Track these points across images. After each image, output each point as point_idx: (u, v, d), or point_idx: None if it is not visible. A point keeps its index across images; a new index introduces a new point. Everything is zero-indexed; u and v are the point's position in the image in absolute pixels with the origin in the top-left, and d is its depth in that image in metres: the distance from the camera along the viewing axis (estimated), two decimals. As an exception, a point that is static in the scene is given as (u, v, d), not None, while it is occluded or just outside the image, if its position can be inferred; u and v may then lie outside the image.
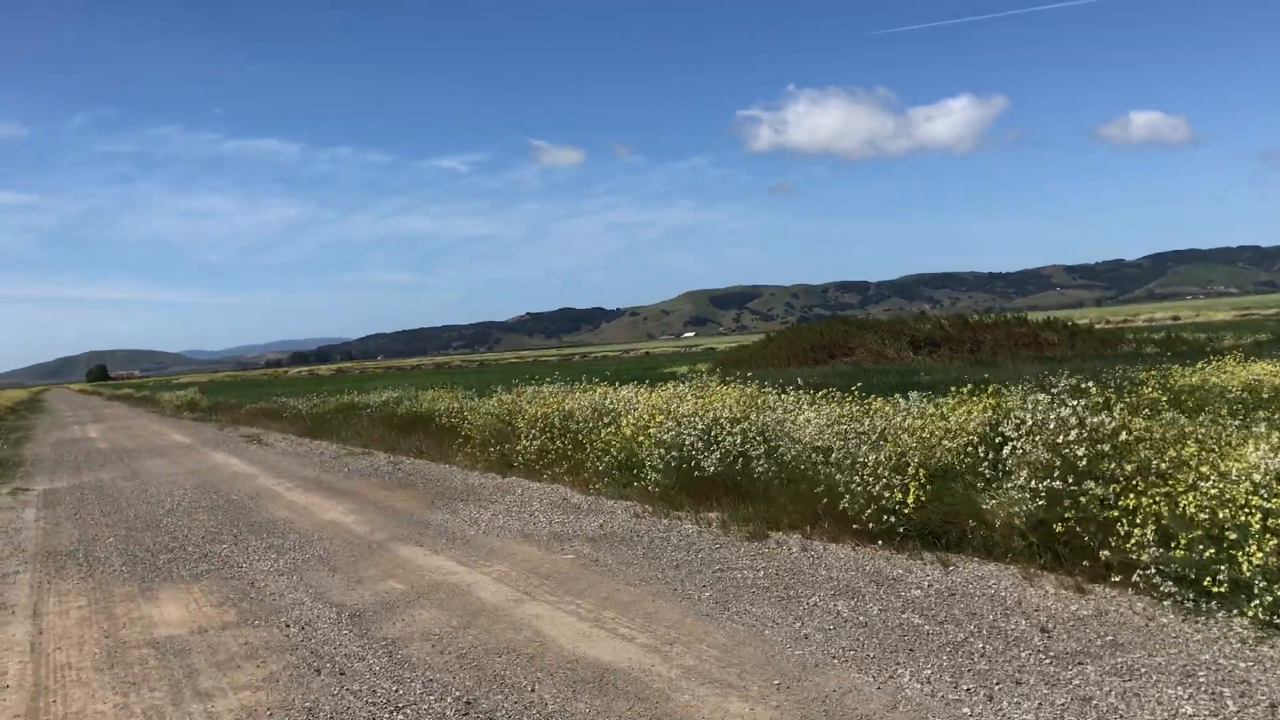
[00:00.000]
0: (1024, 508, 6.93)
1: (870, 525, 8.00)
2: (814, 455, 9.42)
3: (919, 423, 8.81)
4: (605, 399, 13.94)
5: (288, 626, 7.07)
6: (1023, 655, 5.45)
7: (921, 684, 5.15)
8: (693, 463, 10.38)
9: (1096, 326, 50.97)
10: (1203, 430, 7.11)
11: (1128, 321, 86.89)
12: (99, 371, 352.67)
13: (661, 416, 11.41)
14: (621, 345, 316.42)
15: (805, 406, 10.83)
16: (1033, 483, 6.79)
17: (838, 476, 8.37)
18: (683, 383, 15.47)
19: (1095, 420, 6.96)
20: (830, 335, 48.42)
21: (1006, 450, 7.30)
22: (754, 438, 9.98)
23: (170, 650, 6.67)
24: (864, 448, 8.52)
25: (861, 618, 6.36)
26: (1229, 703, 4.62)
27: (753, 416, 10.46)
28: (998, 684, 5.06)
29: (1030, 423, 7.20)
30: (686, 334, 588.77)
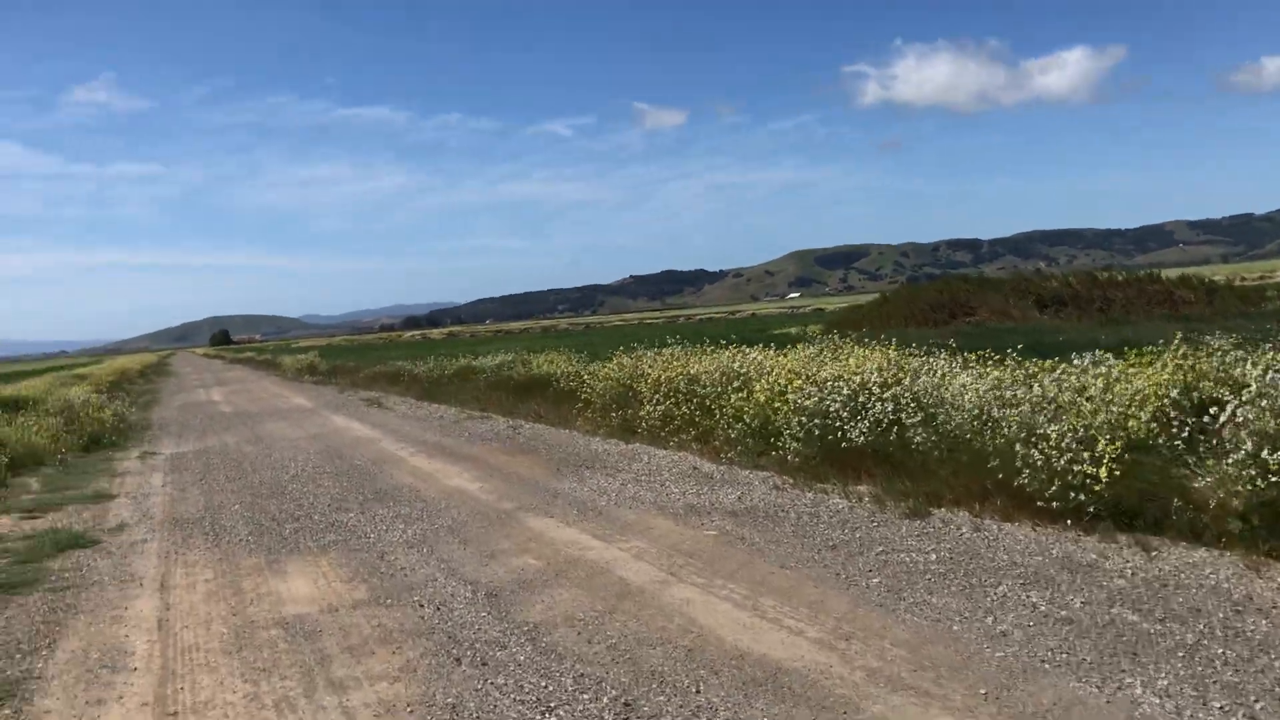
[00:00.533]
0: (1247, 486, 6.02)
1: (1054, 504, 7.17)
2: (976, 424, 8.59)
3: (1101, 387, 7.90)
4: (734, 362, 13.24)
5: (421, 606, 6.62)
6: (1277, 665, 4.62)
7: (1160, 698, 4.37)
8: (839, 431, 9.63)
9: (1234, 284, 48.14)
10: None
11: (1265, 278, 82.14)
12: (221, 336, 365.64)
13: (800, 381, 10.67)
14: (726, 306, 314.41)
15: (958, 370, 9.97)
16: (1262, 455, 5.88)
17: (1017, 448, 7.53)
18: (809, 344, 14.66)
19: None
20: (950, 294, 46.72)
21: (1223, 417, 6.38)
22: (909, 404, 9.18)
23: (300, 632, 6.28)
24: (1040, 417, 7.67)
25: (1063, 612, 5.58)
26: None
27: (905, 381, 9.65)
28: (1258, 702, 4.25)
29: (1256, 386, 6.27)
30: (791, 295, 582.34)
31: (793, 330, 52.49)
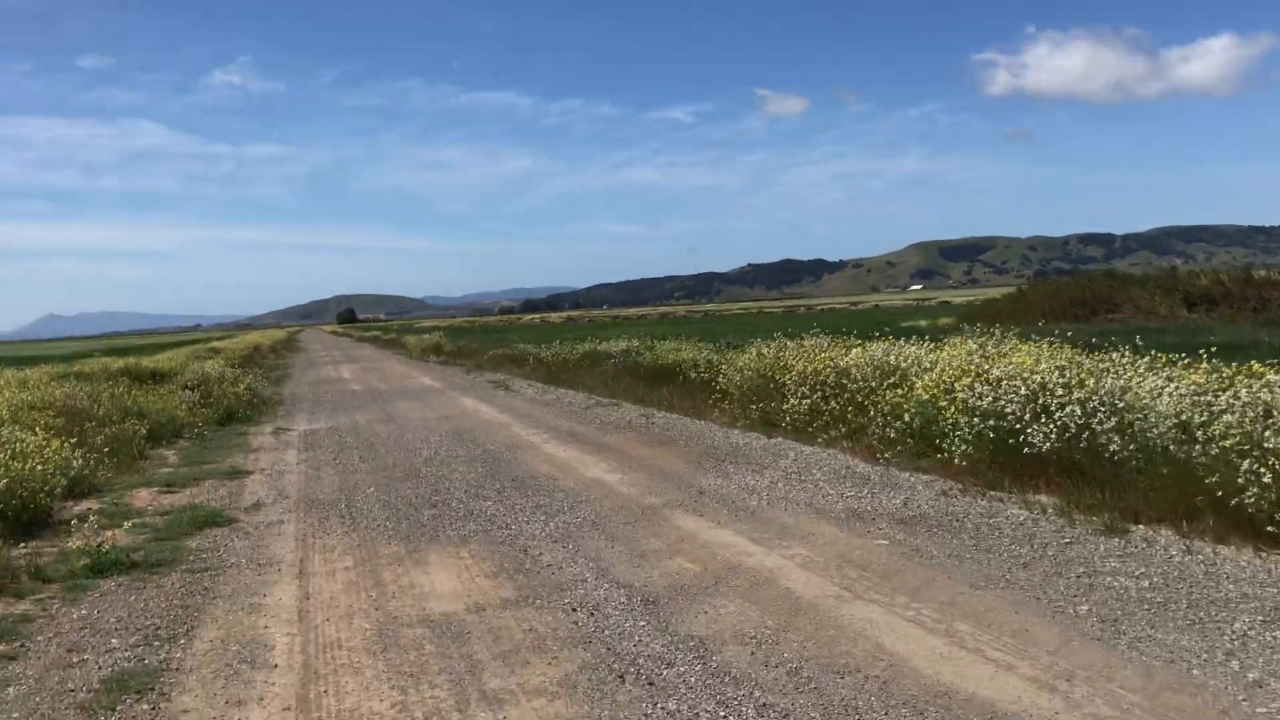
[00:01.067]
0: None
1: (1287, 528, 6.28)
2: (1175, 433, 7.70)
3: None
4: (889, 356, 12.47)
5: (574, 610, 6.13)
6: None
7: None
8: (1017, 435, 8.82)
9: None
10: None
11: None
12: (348, 314, 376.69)
13: (968, 379, 9.86)
14: (846, 297, 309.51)
15: (1143, 371, 9.03)
16: None
17: (1236, 461, 6.65)
18: (969, 339, 13.76)
19: None
20: (1092, 290, 44.56)
21: None
22: (1099, 409, 8.31)
23: (447, 633, 5.85)
24: (1267, 429, 6.76)
25: (1330, 661, 4.76)
26: None
27: (1090, 383, 8.77)
28: None
29: None
30: (913, 287, 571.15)
31: (922, 323, 50.90)
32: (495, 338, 58.85)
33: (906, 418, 10.45)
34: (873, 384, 11.71)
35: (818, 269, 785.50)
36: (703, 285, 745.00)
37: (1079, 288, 45.60)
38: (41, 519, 9.36)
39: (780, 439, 12.65)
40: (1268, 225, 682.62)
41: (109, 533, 8.04)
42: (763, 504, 8.98)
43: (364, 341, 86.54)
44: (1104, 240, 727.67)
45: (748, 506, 8.91)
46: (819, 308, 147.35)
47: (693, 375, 17.21)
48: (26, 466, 9.39)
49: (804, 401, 12.54)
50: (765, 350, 14.70)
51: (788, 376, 12.86)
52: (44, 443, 10.87)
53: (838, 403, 12.04)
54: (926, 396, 10.26)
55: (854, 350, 13.24)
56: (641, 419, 15.88)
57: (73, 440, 12.45)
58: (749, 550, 7.38)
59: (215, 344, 62.21)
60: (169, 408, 17.83)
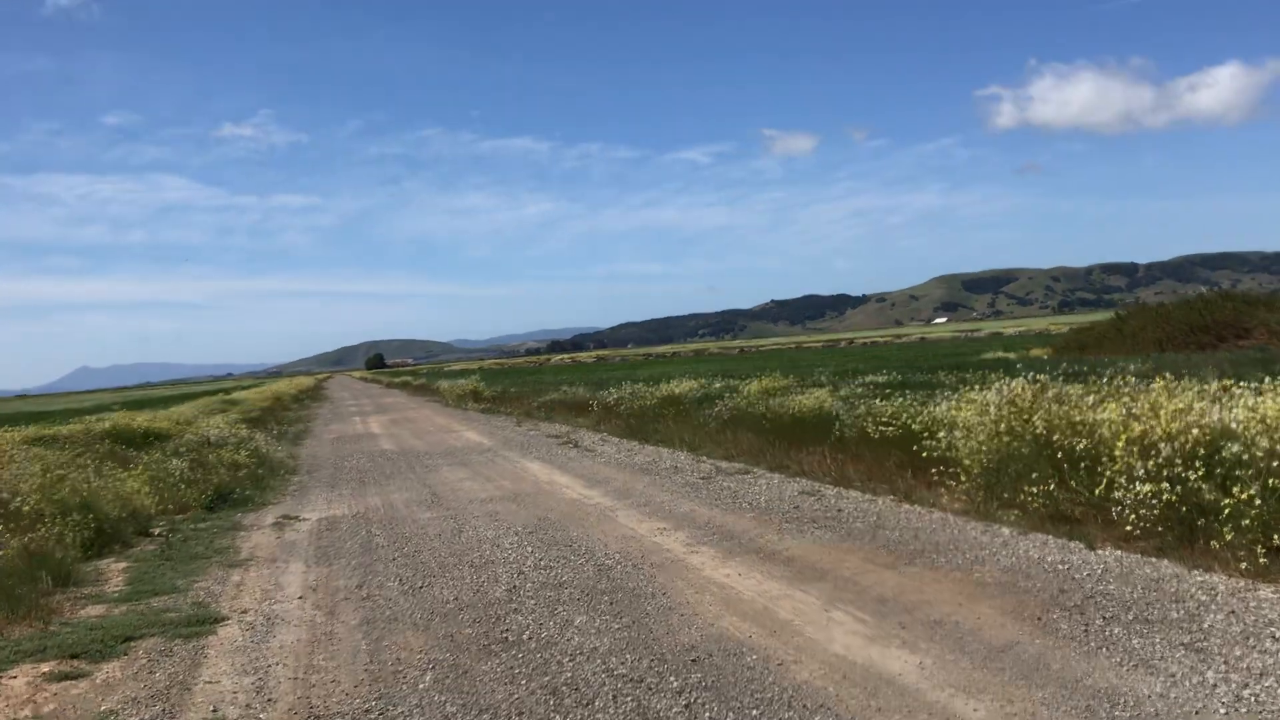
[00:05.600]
0: None
1: None
2: None
3: None
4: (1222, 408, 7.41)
5: None
6: None
7: None
8: None
9: None
10: None
11: None
12: (376, 359, 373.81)
13: None
14: (874, 331, 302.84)
15: None
16: None
17: None
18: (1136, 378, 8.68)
19: None
20: (1217, 314, 39.16)
21: None
22: None
23: None
24: None
25: None
26: None
27: None
28: None
29: None
30: (938, 320, 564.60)
31: (1010, 356, 45.56)
32: (532, 380, 53.99)
33: None
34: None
35: (841, 304, 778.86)
36: (726, 322, 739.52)
37: (1197, 313, 40.15)
38: None
39: (1112, 550, 7.47)
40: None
41: None
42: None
43: (393, 387, 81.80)
44: (1127, 270, 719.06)
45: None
46: (860, 342, 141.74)
47: (871, 433, 12.03)
48: None
49: (1142, 485, 7.34)
50: (1019, 394, 9.52)
51: (1119, 444, 7.62)
52: None
53: (1217, 492, 6.88)
54: None
55: (1194, 400, 8.07)
56: (811, 500, 10.74)
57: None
58: None
59: (238, 394, 57.47)
60: (128, 492, 12.85)
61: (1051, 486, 8.35)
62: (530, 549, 9.32)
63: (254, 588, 8.70)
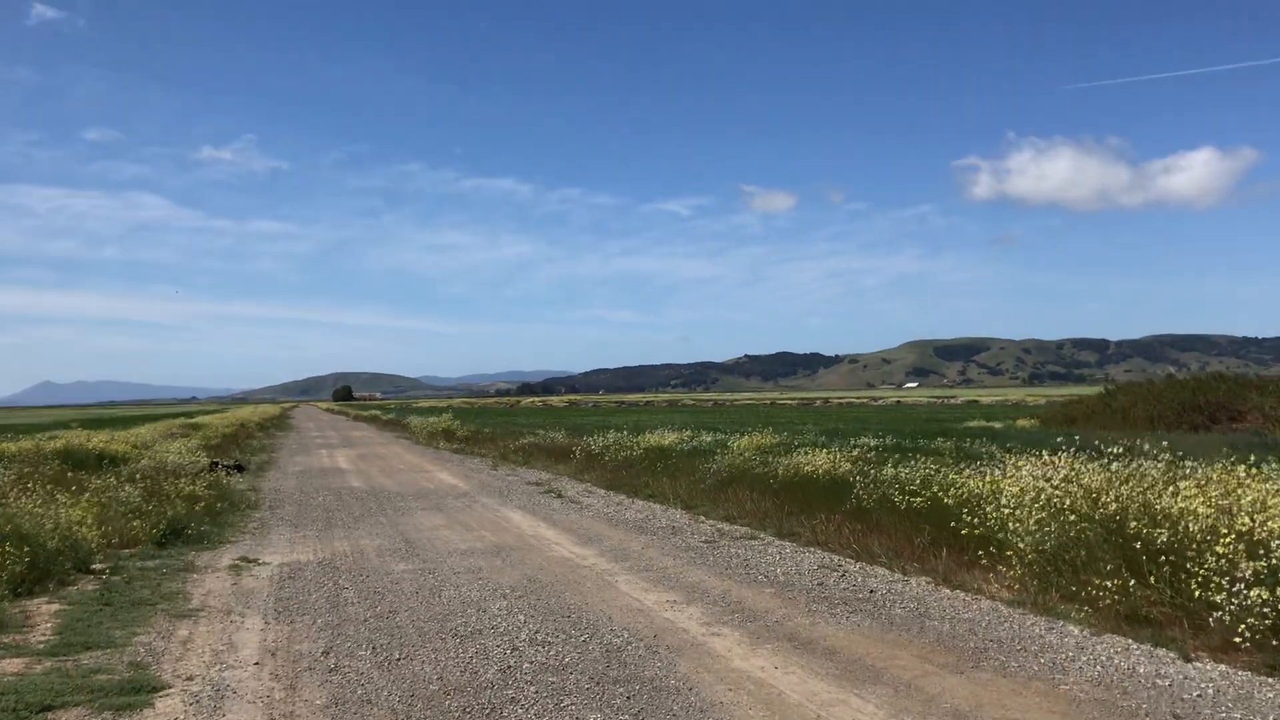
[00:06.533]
0: None
1: None
2: None
3: None
4: None
5: None
6: None
7: None
8: None
9: None
10: None
11: None
12: (345, 391, 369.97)
13: None
14: (848, 392, 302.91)
15: None
16: None
17: None
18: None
19: None
20: (1210, 394, 38.60)
21: None
22: None
23: None
24: None
25: None
26: None
27: None
28: None
29: None
30: (909, 384, 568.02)
31: (997, 425, 44.75)
32: (504, 421, 52.74)
33: None
34: None
35: (813, 362, 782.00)
36: (699, 374, 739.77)
37: (1190, 392, 39.58)
38: None
39: (1220, 667, 6.41)
40: (1259, 337, 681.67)
41: None
42: None
43: (361, 421, 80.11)
44: (1098, 345, 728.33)
45: None
46: (835, 402, 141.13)
47: (897, 501, 10.97)
48: None
49: (1265, 593, 6.28)
50: (1089, 474, 8.49)
51: (1222, 540, 6.58)
52: None
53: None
54: None
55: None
56: (835, 577, 9.64)
57: None
58: None
59: (202, 418, 55.64)
60: (71, 521, 11.57)
61: (1129, 582, 7.30)
62: (523, 618, 8.17)
63: (203, 647, 7.50)
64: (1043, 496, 8.43)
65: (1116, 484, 8.14)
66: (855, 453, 15.81)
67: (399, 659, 7.01)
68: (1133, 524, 7.39)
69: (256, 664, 6.99)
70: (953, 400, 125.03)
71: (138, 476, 16.50)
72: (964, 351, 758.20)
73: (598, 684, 6.25)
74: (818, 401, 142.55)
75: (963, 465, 12.41)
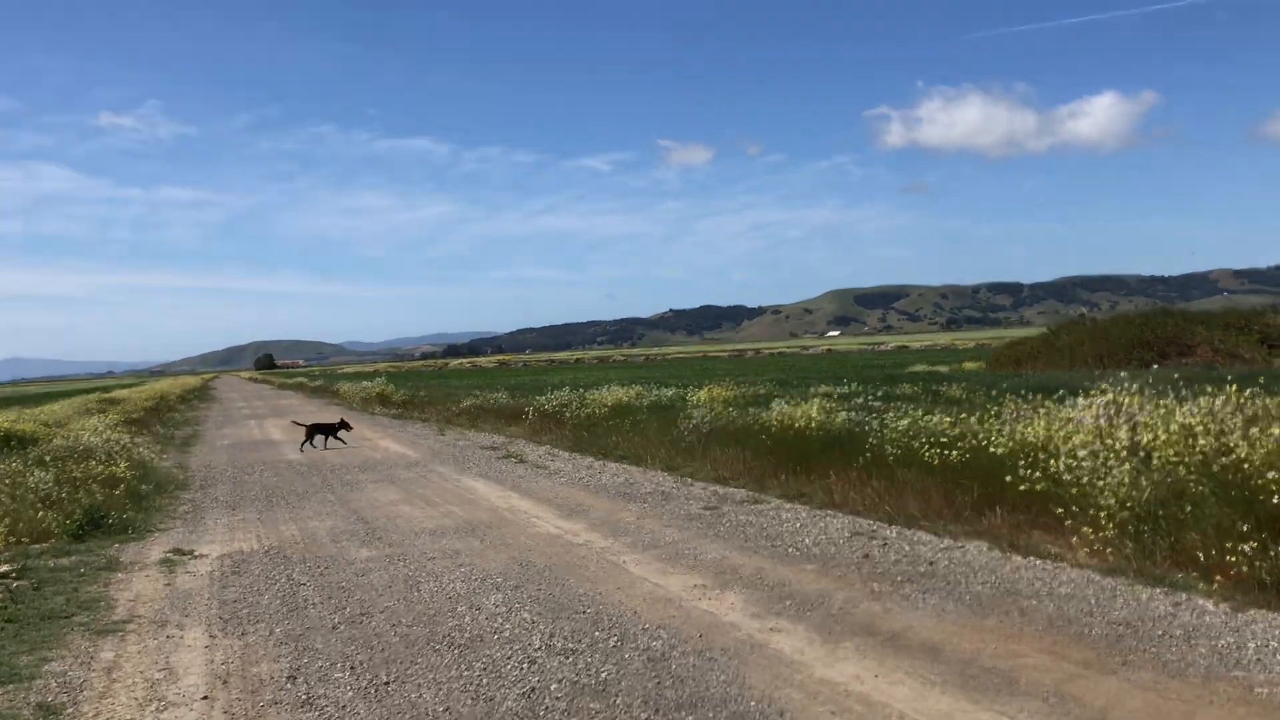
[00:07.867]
0: None
1: None
2: None
3: None
4: None
5: None
6: None
7: None
8: None
9: None
10: None
11: None
12: (266, 360, 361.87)
13: None
14: (773, 343, 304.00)
15: None
16: None
17: None
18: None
19: None
20: (1158, 330, 38.35)
21: None
22: None
23: None
24: None
25: None
26: None
27: None
28: None
29: None
30: (830, 333, 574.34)
31: (943, 369, 44.19)
32: (437, 384, 51.00)
33: None
34: None
35: (737, 314, 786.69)
36: (625, 330, 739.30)
37: (1138, 329, 39.29)
38: None
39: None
40: (1166, 275, 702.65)
41: None
42: None
43: (287, 389, 77.29)
44: (1013, 289, 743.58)
45: None
46: (765, 352, 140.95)
47: (927, 456, 9.71)
48: None
49: None
50: (1206, 414, 7.26)
51: None
52: None
53: None
54: None
55: None
56: (877, 546, 8.35)
57: None
58: None
59: (118, 392, 52.62)
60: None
61: (1270, 548, 6.09)
62: (529, 616, 6.73)
63: (134, 676, 5.93)
64: (1139, 444, 7.19)
65: (1239, 426, 6.92)
66: (849, 402, 14.56)
67: (387, 683, 5.53)
68: (1270, 474, 6.17)
69: (205, 698, 5.46)
70: (882, 347, 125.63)
71: (48, 459, 14.67)
72: (883, 299, 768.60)
73: (658, 713, 4.85)
74: (749, 353, 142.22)
75: (957, 410, 11.24)
